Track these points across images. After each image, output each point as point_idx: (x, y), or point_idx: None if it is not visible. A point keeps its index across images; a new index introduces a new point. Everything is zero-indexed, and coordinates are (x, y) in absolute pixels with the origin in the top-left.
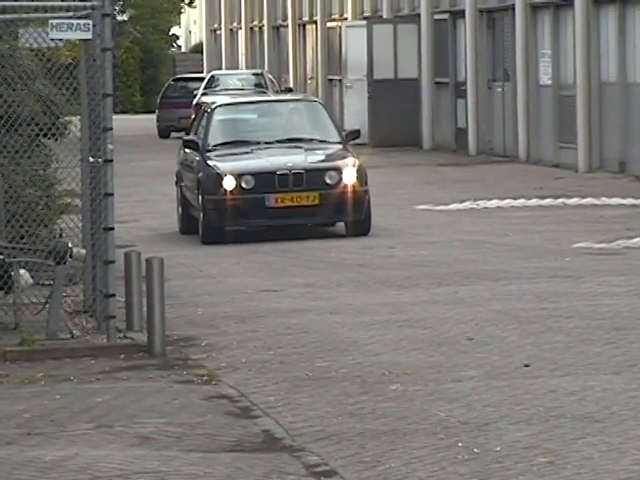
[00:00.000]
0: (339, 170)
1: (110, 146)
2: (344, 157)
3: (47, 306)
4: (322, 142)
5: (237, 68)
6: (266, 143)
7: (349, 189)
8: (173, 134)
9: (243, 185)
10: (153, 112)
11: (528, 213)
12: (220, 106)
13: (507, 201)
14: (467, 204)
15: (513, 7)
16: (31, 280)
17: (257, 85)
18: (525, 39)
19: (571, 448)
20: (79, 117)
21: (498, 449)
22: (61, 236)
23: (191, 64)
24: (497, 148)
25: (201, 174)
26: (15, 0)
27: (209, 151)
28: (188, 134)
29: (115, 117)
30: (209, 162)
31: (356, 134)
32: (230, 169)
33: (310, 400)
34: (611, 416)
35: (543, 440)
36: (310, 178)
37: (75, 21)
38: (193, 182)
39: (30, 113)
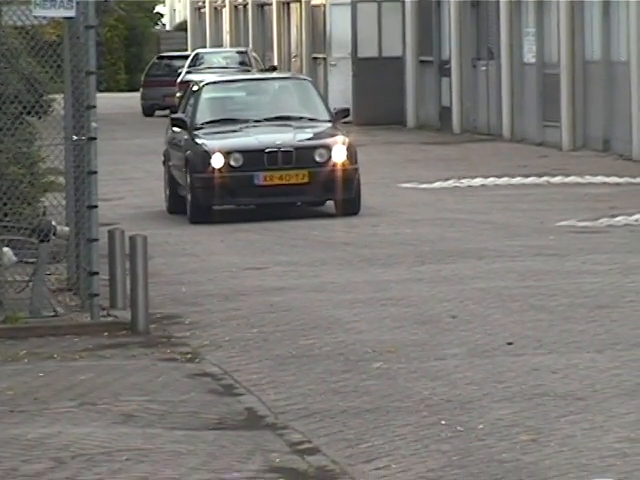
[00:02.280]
0: (328, 148)
1: (94, 124)
2: (334, 135)
3: (31, 284)
4: (311, 120)
5: (221, 46)
6: (255, 121)
7: (339, 167)
8: (157, 112)
9: (232, 163)
10: (137, 90)
11: (512, 191)
12: (208, 84)
13: (491, 179)
14: (451, 182)
15: None
16: (14, 258)
17: (241, 63)
18: (509, 17)
19: (554, 426)
20: (63, 95)
21: (481, 427)
22: (45, 214)
23: (175, 42)
24: (481, 126)
25: (189, 152)
26: None
27: (197, 129)
28: (175, 112)
29: (99, 95)
30: (197, 140)
31: (345, 112)
32: (219, 147)
33: (293, 378)
34: (594, 394)
35: (526, 418)
36: (299, 156)
37: None
38: (181, 160)
39: (14, 91)
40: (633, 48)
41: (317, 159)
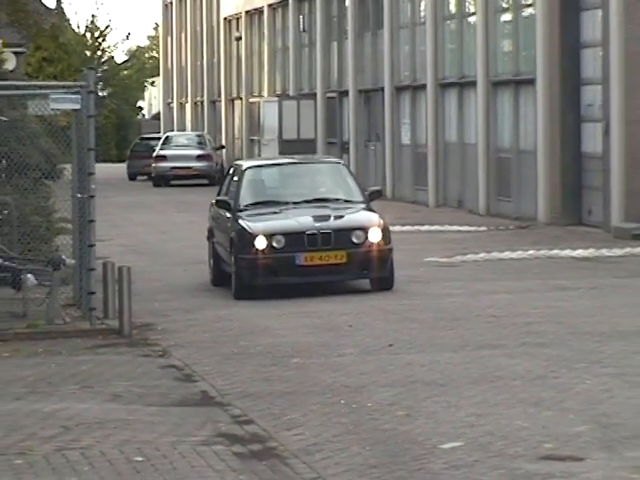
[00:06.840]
0: (365, 230)
1: (93, 186)
2: (369, 217)
3: (47, 300)
4: (347, 202)
5: (185, 130)
6: (294, 203)
7: (375, 247)
8: (139, 177)
9: (274, 244)
10: (124, 162)
11: (393, 237)
12: (250, 168)
13: None
14: None
15: (382, 89)
16: (35, 281)
17: (199, 143)
18: (391, 111)
19: (422, 405)
20: (71, 165)
21: (370, 405)
22: (57, 250)
23: (152, 127)
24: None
25: (234, 234)
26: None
27: (240, 211)
28: (219, 194)
29: (97, 165)
30: (241, 222)
31: (378, 194)
32: (262, 229)
33: (235, 369)
34: (451, 382)
35: (402, 399)
36: (338, 237)
37: (68, 96)
38: (226, 240)
39: (35, 162)
40: (480, 133)
41: (354, 240)
